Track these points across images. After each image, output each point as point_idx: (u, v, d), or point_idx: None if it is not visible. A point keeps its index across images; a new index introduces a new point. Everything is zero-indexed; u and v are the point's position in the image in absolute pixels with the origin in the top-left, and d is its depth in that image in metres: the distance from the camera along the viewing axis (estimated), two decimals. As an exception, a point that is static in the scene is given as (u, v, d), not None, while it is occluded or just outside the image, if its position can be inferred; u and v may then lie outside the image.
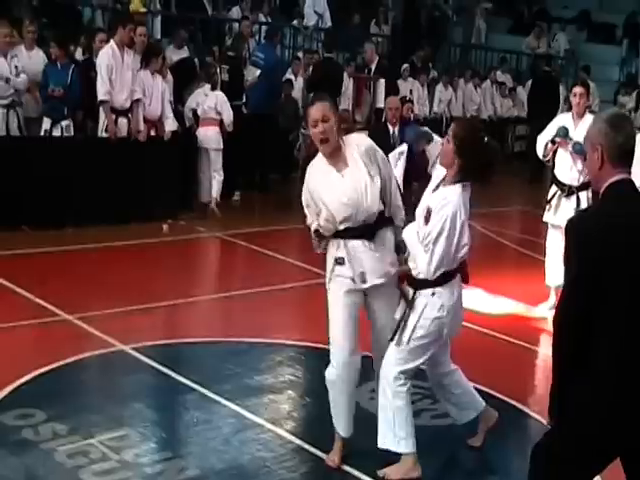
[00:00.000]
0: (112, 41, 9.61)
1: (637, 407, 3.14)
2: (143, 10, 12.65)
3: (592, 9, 21.50)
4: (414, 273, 4.49)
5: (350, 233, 4.54)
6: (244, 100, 11.80)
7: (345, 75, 13.24)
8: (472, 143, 4.41)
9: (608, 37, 20.87)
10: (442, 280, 4.44)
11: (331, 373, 4.66)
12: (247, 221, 10.54)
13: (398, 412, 4.52)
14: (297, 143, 12.85)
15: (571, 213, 6.65)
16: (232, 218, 10.60)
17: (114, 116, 9.64)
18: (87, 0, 13.27)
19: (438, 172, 4.62)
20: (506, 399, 5.65)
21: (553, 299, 7.38)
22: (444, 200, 4.37)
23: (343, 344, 4.60)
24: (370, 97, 13.40)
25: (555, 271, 7.17)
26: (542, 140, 7.65)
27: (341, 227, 4.54)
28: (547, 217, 7.68)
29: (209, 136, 10.69)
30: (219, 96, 10.77)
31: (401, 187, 8.17)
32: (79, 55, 10.66)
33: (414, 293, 4.48)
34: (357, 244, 4.54)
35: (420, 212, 4.47)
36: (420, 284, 4.46)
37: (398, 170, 8.23)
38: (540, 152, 7.70)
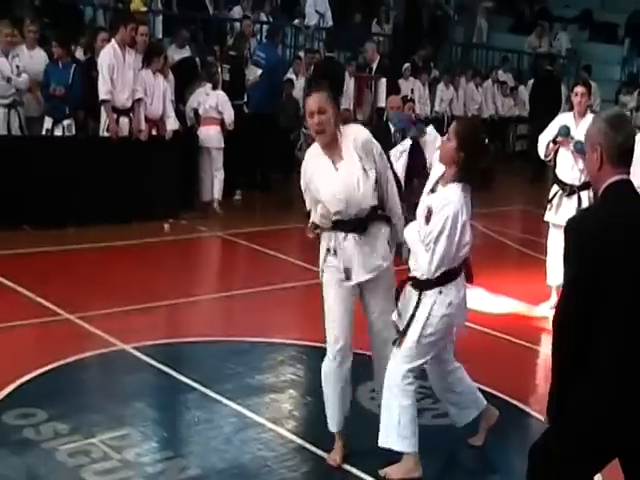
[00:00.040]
0: (113, 40, 9.61)
1: (636, 407, 3.13)
2: (144, 9, 12.64)
3: (594, 8, 21.47)
4: (417, 274, 4.49)
5: (341, 226, 4.56)
6: (245, 99, 11.81)
7: (346, 74, 13.24)
8: (473, 142, 4.42)
9: (610, 36, 20.83)
10: (447, 278, 4.44)
11: (325, 365, 4.69)
12: (248, 221, 10.54)
13: (404, 411, 4.52)
14: (298, 142, 12.84)
15: (572, 212, 6.65)
16: (233, 218, 10.61)
17: (115, 115, 9.65)
18: (88, -1, 13.29)
19: (435, 170, 4.62)
20: (507, 398, 5.65)
21: (554, 298, 7.37)
22: (445, 200, 4.37)
23: (336, 335, 4.62)
24: (371, 96, 13.39)
25: (556, 270, 7.16)
26: (544, 140, 7.65)
27: (334, 219, 4.56)
28: (548, 216, 7.68)
29: (210, 135, 10.70)
30: (220, 95, 10.78)
31: (402, 185, 8.21)
32: (80, 54, 10.66)
33: (420, 294, 4.48)
34: (347, 237, 4.55)
35: (421, 212, 4.47)
36: (425, 285, 4.47)
37: (400, 167, 8.24)
38: (542, 152, 7.69)
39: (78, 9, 12.93)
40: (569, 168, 7.45)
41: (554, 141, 7.50)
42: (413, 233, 4.49)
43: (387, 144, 7.37)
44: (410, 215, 4.71)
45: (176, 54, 11.80)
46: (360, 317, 4.76)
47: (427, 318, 4.45)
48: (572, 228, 3.22)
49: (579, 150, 7.04)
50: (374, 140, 4.61)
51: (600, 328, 3.12)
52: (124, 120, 9.76)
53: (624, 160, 3.22)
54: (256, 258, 9.13)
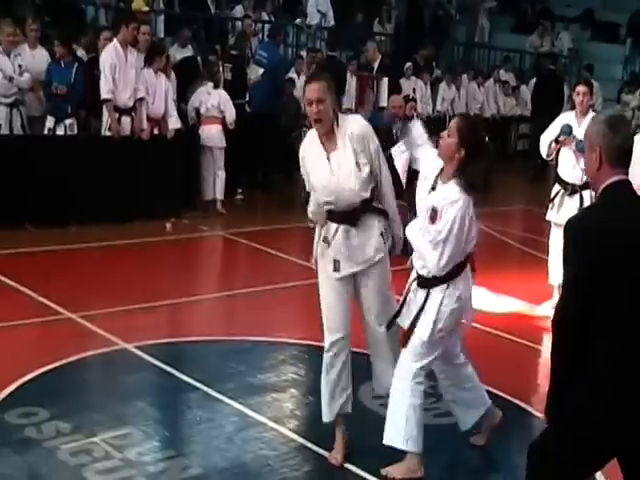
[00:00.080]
0: (115, 40, 9.61)
1: (635, 408, 3.13)
2: (146, 9, 12.65)
3: (596, 8, 21.45)
4: (423, 272, 4.48)
5: (332, 216, 4.58)
6: (247, 99, 11.81)
7: (348, 74, 13.24)
8: (475, 139, 4.41)
9: (612, 36, 20.81)
10: (455, 273, 4.45)
11: (324, 357, 4.71)
12: (250, 220, 10.55)
13: (413, 410, 4.51)
14: (300, 142, 12.81)
15: (574, 212, 6.64)
16: (235, 217, 10.62)
17: (117, 115, 9.66)
18: (90, -2, 13.29)
19: (427, 166, 4.59)
20: (509, 398, 5.65)
21: (556, 298, 7.36)
22: (450, 198, 4.35)
23: (329, 326, 4.66)
24: (373, 96, 13.38)
25: (558, 270, 7.11)
26: (546, 139, 7.64)
27: (325, 208, 4.58)
28: (550, 216, 7.68)
29: (212, 134, 10.71)
30: (222, 94, 10.80)
31: (403, 184, 8.22)
32: (81, 54, 10.66)
33: (427, 293, 4.47)
34: (339, 228, 4.57)
35: (424, 211, 4.45)
36: (432, 282, 4.46)
37: (400, 166, 8.23)
38: (544, 151, 7.69)
39: (79, 8, 12.94)
40: (571, 167, 7.45)
41: (556, 140, 7.49)
42: (416, 233, 4.48)
43: (388, 143, 7.37)
44: (413, 214, 4.71)
45: (178, 53, 11.81)
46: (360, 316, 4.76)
47: (437, 314, 4.44)
48: (571, 228, 3.22)
49: (581, 149, 7.02)
50: (372, 135, 4.58)
51: (599, 329, 3.12)
52: (126, 119, 9.77)
53: (623, 161, 3.23)
54: (258, 257, 9.13)
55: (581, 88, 7.53)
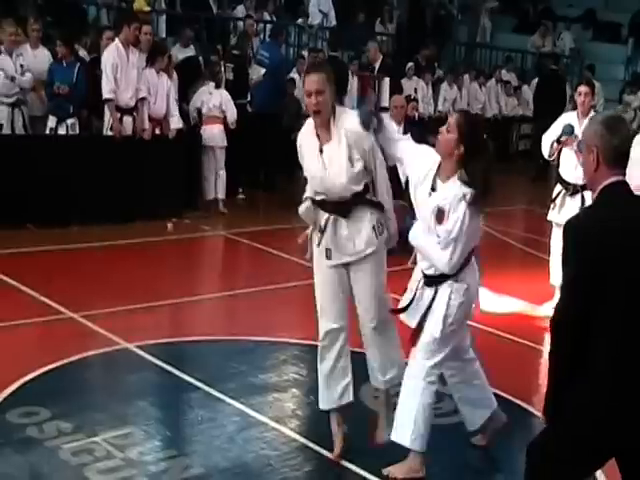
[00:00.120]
0: (117, 40, 9.62)
1: (635, 408, 3.13)
2: (147, 9, 12.65)
3: (597, 8, 21.45)
4: (431, 272, 4.48)
5: (324, 206, 4.61)
6: (249, 99, 11.81)
7: (350, 74, 13.23)
8: (474, 136, 4.40)
9: (613, 36, 20.80)
10: (462, 265, 4.44)
11: (318, 346, 4.74)
12: (252, 220, 10.55)
13: (423, 409, 4.50)
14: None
15: (576, 212, 6.64)
16: (237, 217, 10.63)
17: (119, 115, 9.66)
18: (92, -2, 13.30)
19: (417, 164, 4.55)
20: (511, 398, 5.65)
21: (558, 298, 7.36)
22: (456, 196, 4.33)
23: (323, 314, 4.69)
24: (375, 96, 13.37)
25: (560, 270, 7.14)
26: (547, 139, 7.64)
27: (318, 198, 4.61)
28: (552, 216, 7.68)
29: (214, 134, 10.72)
30: (223, 94, 10.81)
31: (403, 183, 8.20)
32: (83, 54, 10.67)
33: (435, 291, 4.47)
34: (329, 218, 4.60)
35: (427, 214, 4.42)
36: (439, 280, 4.45)
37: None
38: (545, 151, 7.69)
39: (81, 8, 12.94)
40: (572, 167, 7.44)
41: (558, 140, 7.49)
42: (421, 237, 4.47)
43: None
44: (412, 215, 4.70)
45: (180, 53, 11.81)
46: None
47: (447, 309, 4.43)
48: (570, 228, 3.22)
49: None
50: (367, 134, 4.53)
51: (598, 329, 3.12)
52: (128, 119, 9.78)
53: (620, 162, 3.23)
54: (259, 257, 9.14)
55: (583, 88, 7.53)
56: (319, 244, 4.67)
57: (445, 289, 4.44)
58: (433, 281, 4.49)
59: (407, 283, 4.70)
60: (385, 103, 12.39)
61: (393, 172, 4.95)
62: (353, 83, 13.30)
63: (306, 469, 4.72)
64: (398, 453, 4.59)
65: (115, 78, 9.50)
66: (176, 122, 10.22)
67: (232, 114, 10.75)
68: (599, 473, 4.33)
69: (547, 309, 7.53)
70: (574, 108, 7.91)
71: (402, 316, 4.61)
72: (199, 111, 10.86)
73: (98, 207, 9.42)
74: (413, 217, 4.57)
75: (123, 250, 8.77)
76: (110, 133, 9.65)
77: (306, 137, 4.65)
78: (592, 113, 7.42)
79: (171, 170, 10.09)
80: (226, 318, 7.37)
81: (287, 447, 4.89)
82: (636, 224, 3.20)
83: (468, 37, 20.11)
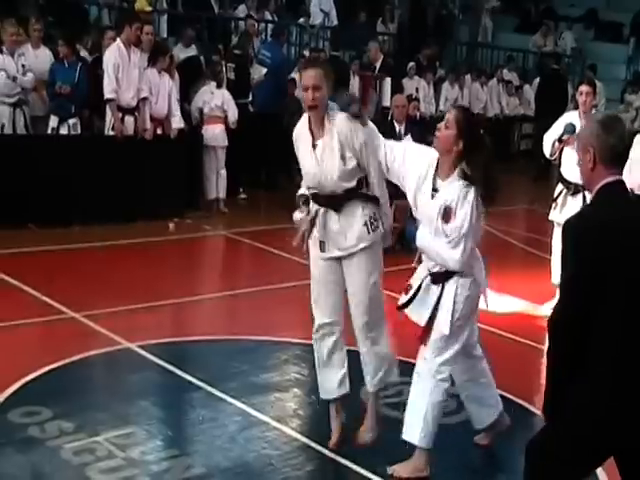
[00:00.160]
0: (119, 39, 9.63)
1: (634, 408, 3.13)
2: (149, 9, 12.66)
3: (599, 7, 21.44)
4: (437, 270, 4.47)
5: (317, 199, 4.65)
6: (250, 98, 11.81)
7: (351, 73, 13.23)
8: (473, 132, 4.40)
9: (615, 36, 20.80)
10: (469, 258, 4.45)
11: (312, 338, 4.77)
12: (253, 219, 10.56)
13: (432, 407, 4.50)
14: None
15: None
16: (238, 216, 10.63)
17: (121, 114, 9.67)
18: (93, -2, 13.31)
19: (415, 164, 4.54)
20: (512, 397, 5.64)
21: (559, 298, 7.36)
22: (460, 193, 4.33)
23: (317, 306, 4.73)
24: (376, 96, 13.38)
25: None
26: (549, 139, 7.63)
27: (311, 192, 4.64)
28: (553, 215, 7.66)
29: (216, 134, 10.72)
30: (225, 94, 10.81)
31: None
32: (84, 53, 10.67)
33: (442, 287, 4.46)
34: (320, 211, 4.63)
35: (432, 215, 4.42)
36: (446, 276, 4.45)
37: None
38: (547, 151, 7.68)
39: (83, 8, 12.95)
40: (574, 167, 7.39)
41: (559, 140, 7.48)
42: (428, 240, 4.46)
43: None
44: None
45: (182, 53, 11.81)
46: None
47: (454, 304, 4.43)
48: (569, 228, 3.22)
49: (584, 149, 7.02)
50: (359, 129, 4.51)
51: (598, 329, 3.11)
52: (129, 119, 9.78)
53: (617, 162, 3.23)
54: (260, 257, 9.14)
55: (584, 88, 7.52)
56: (313, 237, 4.69)
57: (451, 285, 4.44)
58: (440, 278, 4.48)
59: (405, 283, 4.68)
60: (387, 103, 12.40)
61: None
62: (354, 83, 13.31)
63: (308, 469, 4.72)
64: (399, 452, 4.59)
65: (117, 78, 9.51)
66: (177, 122, 10.22)
67: (233, 114, 10.76)
68: (600, 471, 4.33)
69: (548, 309, 7.53)
70: (576, 108, 7.90)
71: (407, 311, 4.59)
72: (201, 111, 10.86)
73: (100, 207, 9.43)
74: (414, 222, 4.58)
75: (125, 250, 8.78)
76: (112, 133, 9.66)
77: (301, 132, 4.67)
78: (594, 112, 7.41)
79: (172, 170, 10.09)
80: (227, 318, 7.37)
81: (289, 447, 4.89)
82: (636, 224, 3.20)
83: (469, 37, 20.11)
